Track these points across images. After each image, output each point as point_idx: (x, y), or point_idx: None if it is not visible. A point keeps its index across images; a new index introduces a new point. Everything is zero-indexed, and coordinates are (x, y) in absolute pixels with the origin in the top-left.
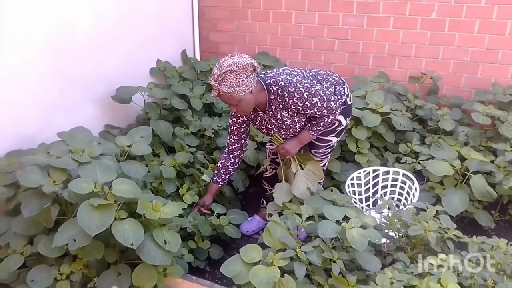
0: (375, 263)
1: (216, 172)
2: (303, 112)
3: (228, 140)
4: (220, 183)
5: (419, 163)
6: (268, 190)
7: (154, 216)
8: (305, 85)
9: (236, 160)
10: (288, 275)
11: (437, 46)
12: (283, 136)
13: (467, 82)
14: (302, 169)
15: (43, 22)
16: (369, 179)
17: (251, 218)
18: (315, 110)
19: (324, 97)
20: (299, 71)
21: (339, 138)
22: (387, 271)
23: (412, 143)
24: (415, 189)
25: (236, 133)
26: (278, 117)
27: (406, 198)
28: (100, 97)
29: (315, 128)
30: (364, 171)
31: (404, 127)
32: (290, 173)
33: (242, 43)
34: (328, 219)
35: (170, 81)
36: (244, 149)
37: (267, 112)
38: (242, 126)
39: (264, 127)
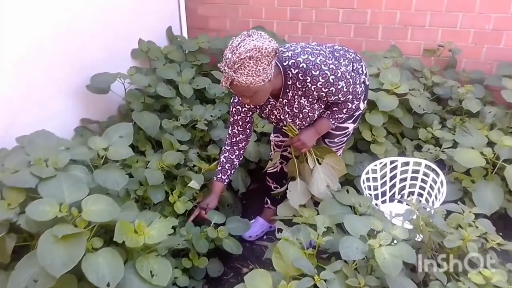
0: None
1: (219, 168)
2: (325, 98)
3: (230, 132)
4: (226, 180)
5: (443, 151)
6: (273, 187)
7: (136, 243)
8: (330, 66)
9: (241, 152)
10: None
11: (455, 13)
12: (297, 126)
13: (489, 53)
14: (320, 163)
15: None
16: (385, 172)
17: (253, 220)
18: (340, 96)
19: (350, 80)
20: (319, 48)
21: (355, 125)
22: None
23: (432, 127)
24: (441, 183)
25: (240, 123)
26: (295, 105)
27: (429, 193)
28: (74, 87)
29: (336, 116)
30: (380, 163)
31: (423, 110)
32: (305, 169)
33: (235, 17)
34: (349, 233)
35: (155, 63)
36: (249, 139)
37: (281, 99)
38: (248, 115)
39: (274, 117)
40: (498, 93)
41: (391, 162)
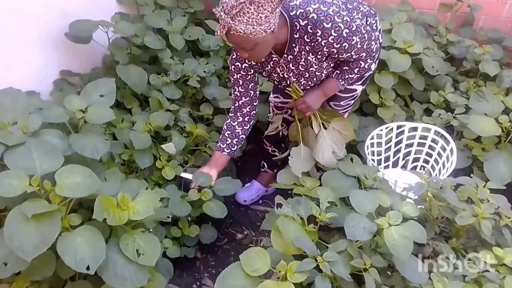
0: (420, 272)
1: (220, 136)
2: (336, 55)
3: (232, 95)
4: (225, 150)
5: (455, 117)
6: (270, 151)
7: (120, 220)
8: (344, 18)
9: (246, 119)
10: None
11: None
12: (302, 86)
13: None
14: (325, 128)
15: None
16: (391, 137)
17: (248, 184)
18: (352, 53)
19: (366, 35)
20: None
21: (364, 87)
22: (434, 278)
23: (444, 90)
24: (450, 151)
25: (241, 82)
26: (301, 63)
27: (436, 160)
28: (51, 35)
29: (346, 76)
30: (386, 128)
31: (437, 71)
32: (308, 133)
33: None
34: (355, 210)
35: (143, 9)
36: (255, 103)
37: (286, 55)
38: (249, 73)
39: (276, 75)
40: None
41: (398, 127)
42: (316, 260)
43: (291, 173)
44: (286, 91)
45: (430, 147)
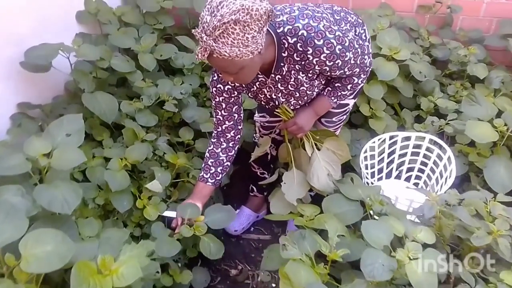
0: None
1: (203, 165)
2: (328, 73)
3: (214, 119)
4: (209, 180)
5: (448, 123)
6: (259, 174)
7: None
8: (336, 34)
9: (231, 145)
10: None
11: None
12: (291, 106)
13: (489, 9)
14: (319, 149)
15: None
16: (384, 148)
17: (238, 211)
18: (346, 70)
19: (358, 50)
20: (321, 10)
21: (356, 100)
22: None
23: (433, 95)
24: (448, 159)
25: (224, 106)
26: (290, 83)
27: (432, 169)
28: (4, 65)
29: (339, 94)
30: (379, 139)
31: (425, 76)
32: (300, 155)
33: None
34: (363, 239)
35: (107, 28)
36: (239, 127)
37: (273, 75)
38: (233, 95)
39: (263, 96)
40: (496, 53)
41: (391, 138)
42: None
43: (285, 200)
44: (275, 112)
45: (425, 155)
